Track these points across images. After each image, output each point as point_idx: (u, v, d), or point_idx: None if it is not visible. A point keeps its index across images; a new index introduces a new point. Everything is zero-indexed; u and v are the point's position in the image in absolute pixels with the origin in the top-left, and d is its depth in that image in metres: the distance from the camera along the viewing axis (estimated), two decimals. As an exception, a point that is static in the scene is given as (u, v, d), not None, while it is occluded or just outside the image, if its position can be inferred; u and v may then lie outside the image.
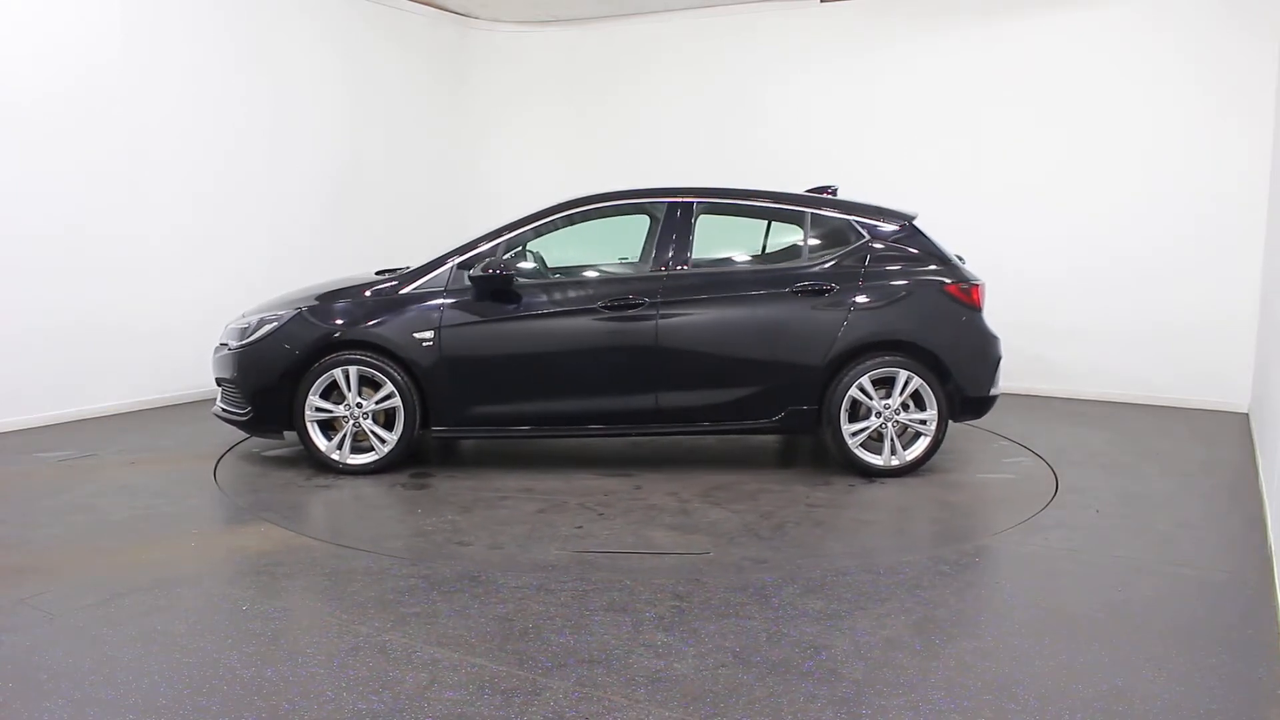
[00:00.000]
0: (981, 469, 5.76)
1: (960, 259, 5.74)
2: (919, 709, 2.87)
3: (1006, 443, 6.33)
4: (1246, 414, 7.35)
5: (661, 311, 5.42)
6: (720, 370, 5.47)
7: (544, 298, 5.51)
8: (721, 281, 5.58)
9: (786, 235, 5.82)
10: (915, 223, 5.66)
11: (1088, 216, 7.89)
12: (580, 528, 4.61)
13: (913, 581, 3.92)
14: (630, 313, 5.43)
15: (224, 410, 5.76)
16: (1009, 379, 5.70)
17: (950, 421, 5.53)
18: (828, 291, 5.44)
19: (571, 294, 5.53)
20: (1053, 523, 4.74)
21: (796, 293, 5.46)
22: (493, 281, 5.40)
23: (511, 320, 5.47)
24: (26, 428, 6.37)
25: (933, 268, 5.53)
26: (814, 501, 5.05)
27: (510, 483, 5.40)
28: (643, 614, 3.55)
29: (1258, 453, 6.00)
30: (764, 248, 5.94)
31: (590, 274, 5.87)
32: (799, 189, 5.99)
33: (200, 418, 6.89)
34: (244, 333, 5.65)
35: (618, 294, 5.47)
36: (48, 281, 6.46)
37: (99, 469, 5.50)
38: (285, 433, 5.62)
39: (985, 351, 5.54)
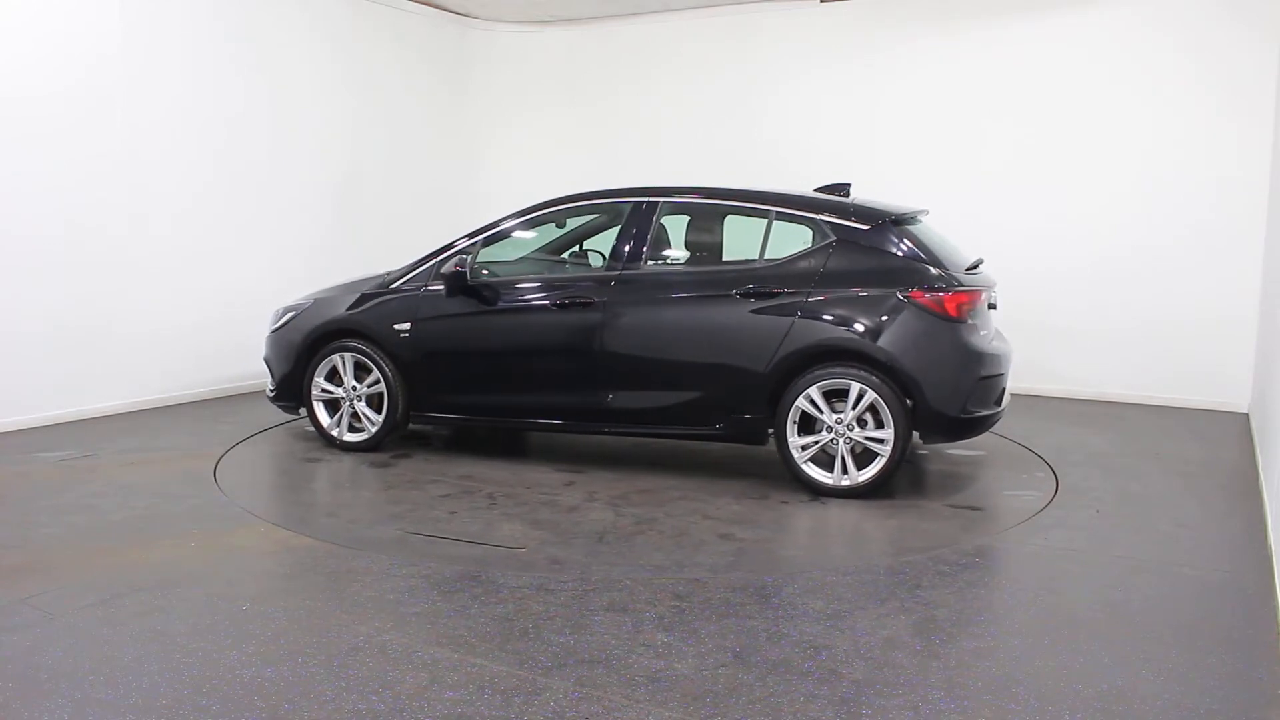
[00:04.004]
0: (959, 495, 5.17)
1: (977, 262, 5.46)
2: (919, 709, 2.87)
3: (1006, 472, 5.73)
4: (1246, 414, 7.35)
5: (607, 311, 5.42)
6: (662, 373, 5.34)
7: (503, 295, 5.71)
8: (670, 282, 5.47)
9: (753, 235, 5.58)
10: (901, 222, 5.24)
11: (1088, 216, 7.88)
12: (454, 513, 4.80)
13: (913, 581, 3.92)
14: (577, 312, 5.46)
15: (268, 389, 6.36)
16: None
17: (920, 443, 5.05)
18: (776, 294, 5.13)
19: (528, 292, 5.70)
20: (1053, 523, 4.74)
21: (743, 295, 5.18)
22: (457, 279, 5.65)
23: (473, 316, 5.72)
24: (26, 428, 6.37)
25: (901, 271, 5.04)
26: (716, 515, 4.79)
27: (461, 469, 5.65)
28: (643, 614, 3.55)
29: (1258, 453, 6.00)
30: (726, 247, 5.79)
31: (550, 273, 5.98)
32: (804, 188, 5.87)
33: (200, 418, 6.90)
34: (275, 319, 6.32)
35: (568, 293, 5.55)
36: (48, 282, 6.46)
37: (99, 469, 5.50)
38: (301, 410, 6.19)
39: (959, 366, 4.96)
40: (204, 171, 7.44)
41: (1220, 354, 7.50)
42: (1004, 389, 5.27)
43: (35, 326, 6.41)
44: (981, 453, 6.05)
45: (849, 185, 5.73)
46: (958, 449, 6.08)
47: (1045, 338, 7.88)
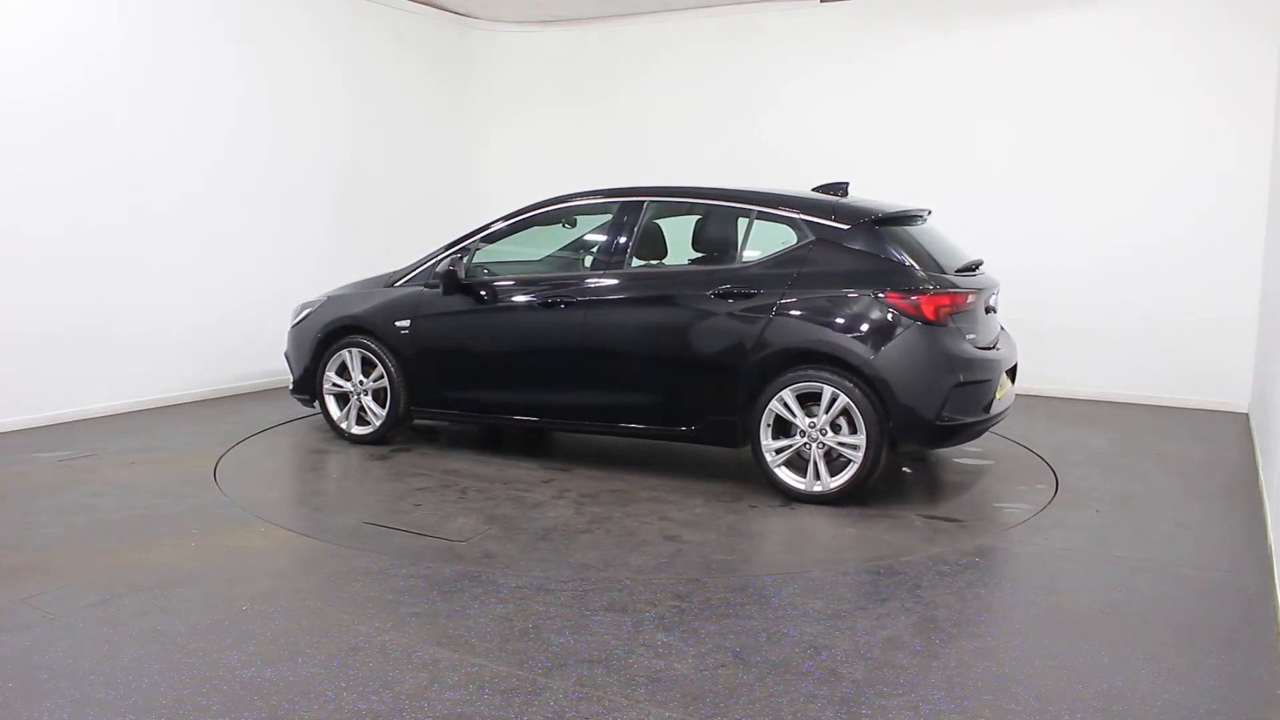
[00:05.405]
0: (941, 506, 4.97)
1: (975, 264, 5.37)
2: (919, 709, 2.87)
3: (1003, 483, 5.53)
4: (1246, 414, 7.35)
5: (587, 311, 5.45)
6: (638, 373, 5.33)
7: (492, 294, 5.79)
8: (649, 282, 5.45)
9: (736, 234, 5.45)
10: (887, 221, 5.11)
11: (1088, 216, 7.88)
12: (418, 505, 4.91)
13: (913, 581, 3.92)
14: (560, 311, 5.51)
15: (290, 383, 6.56)
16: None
17: (890, 450, 4.87)
18: (751, 295, 5.04)
19: (517, 291, 5.78)
20: (1053, 523, 4.74)
21: (719, 295, 5.11)
22: (450, 278, 5.79)
23: (465, 314, 5.82)
24: (26, 428, 6.37)
25: (878, 273, 4.90)
26: (674, 517, 4.74)
27: (450, 464, 5.76)
28: (643, 614, 3.55)
29: (1258, 453, 6.00)
30: (710, 247, 5.65)
31: (538, 273, 6.03)
32: (802, 187, 5.83)
33: (200, 418, 6.90)
34: (294, 315, 6.53)
35: (551, 293, 5.60)
36: (48, 281, 6.45)
37: (99, 469, 5.50)
38: (316, 403, 6.39)
39: (936, 371, 4.77)
40: (204, 171, 7.44)
41: (1220, 354, 7.50)
42: (994, 396, 5.07)
43: (35, 326, 6.41)
44: (989, 461, 5.94)
45: (847, 185, 5.62)
46: (964, 456, 6.02)
47: (1045, 338, 7.87)
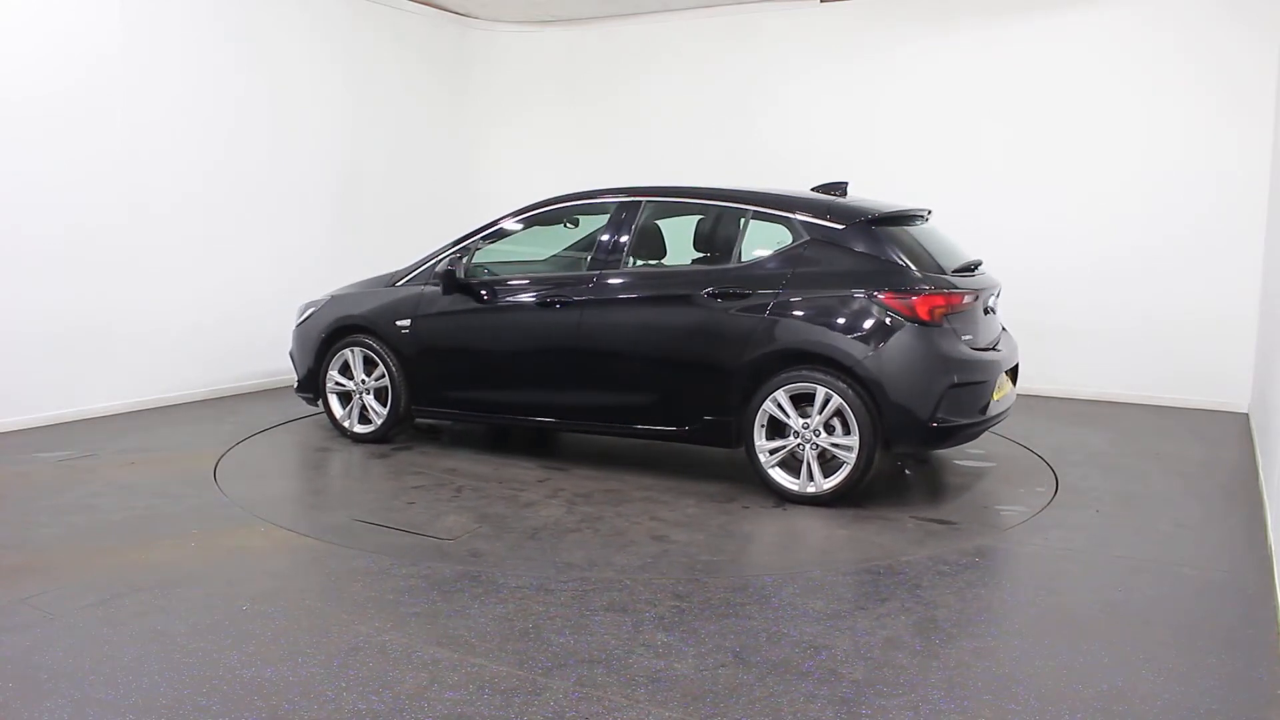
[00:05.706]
0: (936, 508, 4.91)
1: (974, 264, 5.35)
2: (919, 709, 2.87)
3: (1003, 485, 5.44)
4: (1246, 414, 7.35)
5: (584, 311, 5.46)
6: (634, 373, 5.33)
7: (490, 293, 5.82)
8: (644, 282, 5.44)
9: (731, 234, 5.41)
10: (883, 222, 5.08)
11: (1088, 216, 7.88)
12: (412, 504, 4.95)
13: (913, 581, 3.92)
14: (557, 311, 5.53)
15: (296, 382, 6.60)
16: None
17: (884, 451, 4.84)
18: (746, 295, 5.03)
19: (515, 291, 5.80)
20: (1053, 523, 4.74)
21: (713, 295, 5.11)
22: (450, 278, 5.82)
23: (463, 314, 5.85)
24: (26, 428, 6.37)
25: (873, 273, 4.87)
26: (665, 517, 4.73)
27: (449, 463, 5.78)
28: (643, 614, 3.55)
29: (1258, 453, 6.00)
30: (705, 247, 5.63)
31: (536, 272, 6.04)
32: (804, 188, 5.81)
33: (200, 418, 6.90)
34: (299, 314, 6.58)
35: (549, 293, 5.62)
36: (48, 281, 6.45)
37: (99, 469, 5.50)
38: (320, 401, 6.42)
39: (930, 372, 4.73)
40: (204, 171, 7.43)
41: (1220, 354, 7.49)
42: (992, 397, 5.03)
43: (35, 326, 6.40)
44: (990, 463, 5.91)
45: (846, 184, 5.61)
46: (964, 457, 6.00)
47: (1045, 338, 7.87)
